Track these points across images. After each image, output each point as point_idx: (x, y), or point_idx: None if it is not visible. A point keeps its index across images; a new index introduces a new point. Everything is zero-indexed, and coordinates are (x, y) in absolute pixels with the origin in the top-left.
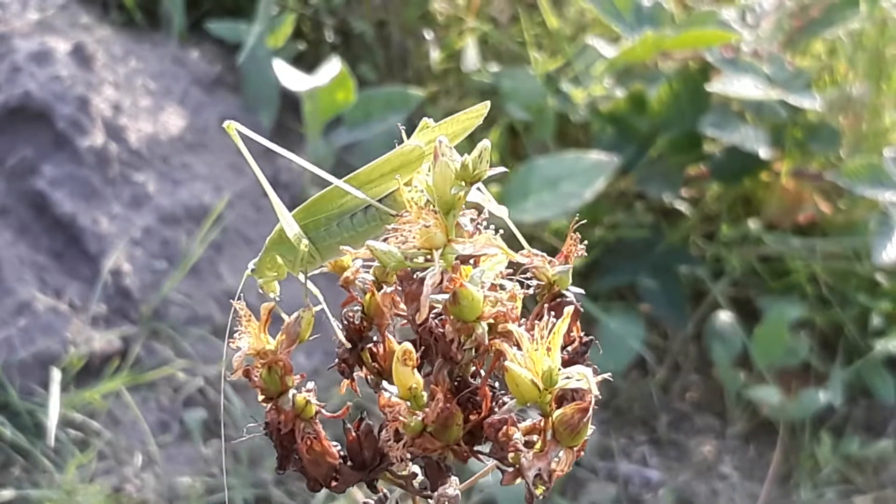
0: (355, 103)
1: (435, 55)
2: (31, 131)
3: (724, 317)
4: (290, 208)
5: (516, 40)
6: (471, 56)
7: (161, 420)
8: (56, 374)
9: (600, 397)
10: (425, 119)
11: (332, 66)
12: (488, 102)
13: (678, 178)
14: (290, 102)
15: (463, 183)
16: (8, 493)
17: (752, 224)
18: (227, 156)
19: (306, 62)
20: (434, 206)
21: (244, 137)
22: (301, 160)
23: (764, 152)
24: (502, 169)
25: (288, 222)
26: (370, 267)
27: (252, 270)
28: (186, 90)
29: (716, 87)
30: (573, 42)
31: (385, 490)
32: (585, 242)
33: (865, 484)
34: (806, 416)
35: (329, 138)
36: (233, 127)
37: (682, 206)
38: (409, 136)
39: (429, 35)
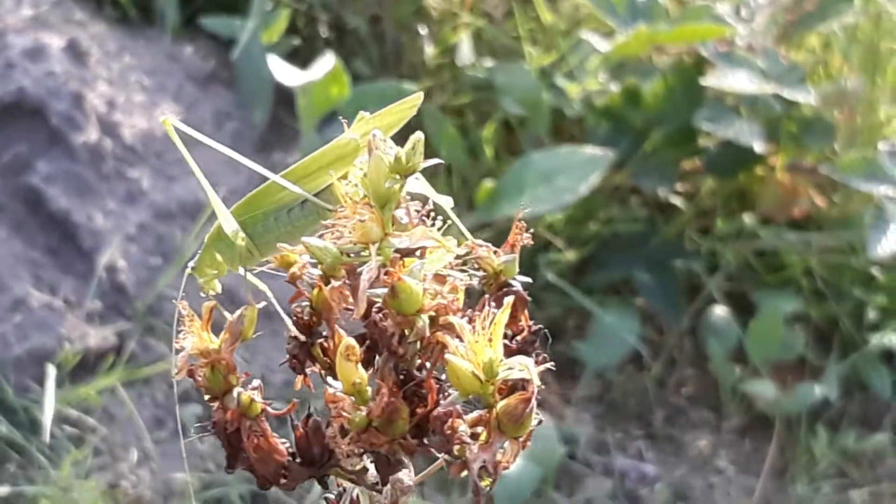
0: (350, 98)
1: (429, 50)
2: (25, 128)
3: (720, 311)
4: None
5: (511, 35)
6: (465, 51)
7: (156, 416)
8: (51, 371)
9: (543, 387)
10: (361, 112)
11: (327, 62)
12: (421, 93)
13: (673, 173)
14: (284, 97)
15: (397, 176)
16: (3, 490)
17: (747, 218)
18: (221, 154)
19: (301, 57)
20: (370, 200)
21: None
22: (229, 150)
23: (759, 146)
24: (436, 161)
25: (225, 218)
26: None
27: (192, 269)
28: (180, 86)
29: (710, 81)
30: (568, 37)
31: (343, 485)
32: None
33: (861, 478)
34: (802, 410)
35: (323, 133)
36: (168, 122)
37: (676, 201)
38: (408, 132)
39: (423, 30)
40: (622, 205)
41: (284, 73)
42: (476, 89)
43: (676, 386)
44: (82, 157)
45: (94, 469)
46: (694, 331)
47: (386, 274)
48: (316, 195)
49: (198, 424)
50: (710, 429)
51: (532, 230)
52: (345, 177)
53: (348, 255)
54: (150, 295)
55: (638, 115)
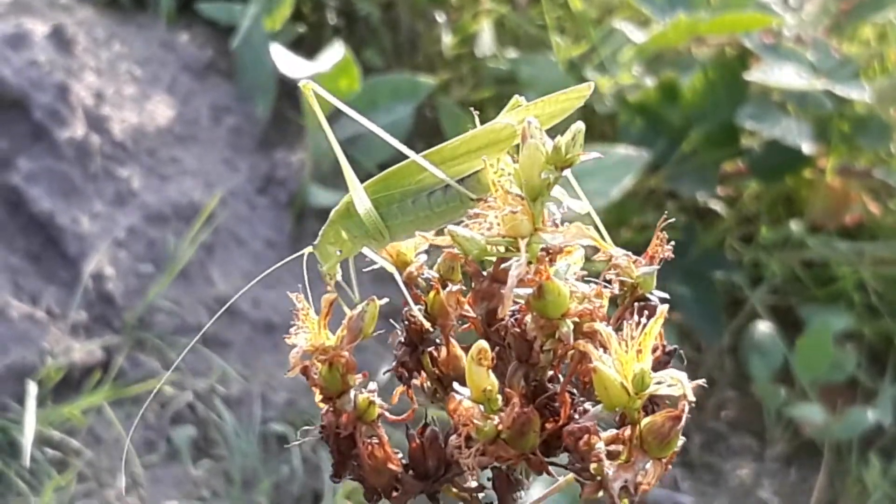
0: (360, 92)
1: (447, 39)
2: (6, 121)
3: (764, 327)
4: (288, 207)
5: (536, 23)
6: (486, 40)
7: (146, 438)
8: (32, 388)
9: (694, 405)
10: (517, 97)
11: (335, 52)
12: (592, 84)
13: (713, 176)
14: (288, 90)
15: (553, 168)
16: None
17: (794, 226)
18: (219, 149)
19: (306, 47)
20: (521, 192)
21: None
22: (376, 128)
23: (807, 147)
24: (597, 154)
25: (359, 194)
26: (432, 263)
27: (313, 246)
28: (175, 77)
29: (755, 75)
30: (599, 26)
31: None
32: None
33: None
34: (853, 437)
35: (331, 129)
36: (310, 87)
37: (717, 206)
38: (425, 131)
39: (440, 17)
40: (658, 210)
41: (289, 63)
42: (498, 83)
43: (716, 409)
44: (67, 154)
45: (78, 496)
46: (735, 349)
47: (534, 272)
48: (460, 181)
49: (307, 427)
50: (752, 456)
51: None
52: (494, 165)
53: (494, 249)
54: (141, 306)
55: (675, 112)
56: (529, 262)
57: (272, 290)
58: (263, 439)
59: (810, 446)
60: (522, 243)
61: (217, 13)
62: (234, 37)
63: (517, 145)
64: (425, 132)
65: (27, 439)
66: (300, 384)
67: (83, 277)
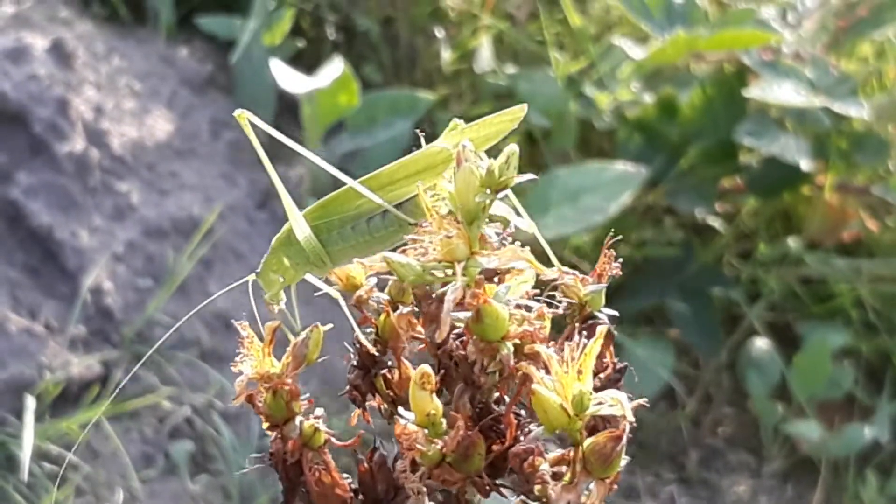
0: (359, 107)
1: (446, 55)
2: (5, 135)
3: (761, 344)
4: (286, 221)
5: (535, 39)
6: (485, 56)
7: (144, 453)
8: (30, 402)
9: (635, 425)
10: (455, 120)
11: (334, 67)
12: (525, 105)
13: (711, 192)
14: (287, 105)
15: (488, 191)
16: None
17: (792, 242)
18: (219, 164)
19: (306, 62)
20: (457, 216)
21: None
22: (317, 158)
23: (805, 164)
24: (530, 176)
25: (298, 222)
26: (383, 285)
27: (256, 274)
28: (175, 91)
29: (753, 92)
30: (597, 42)
31: None
32: (620, 261)
33: None
34: (850, 454)
35: (330, 145)
36: (244, 116)
37: (715, 223)
38: (427, 142)
39: (440, 33)
40: (656, 226)
41: (288, 78)
42: (496, 98)
43: (713, 425)
44: (67, 168)
45: None
46: (733, 365)
47: (471, 296)
48: (398, 206)
49: (256, 455)
50: (749, 473)
51: (557, 253)
52: (432, 189)
53: (431, 274)
54: (139, 320)
55: (674, 128)
56: (467, 286)
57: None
58: (264, 448)
59: (807, 463)
60: (459, 267)
61: (216, 28)
62: (234, 51)
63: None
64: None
65: (25, 454)
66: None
67: (82, 292)
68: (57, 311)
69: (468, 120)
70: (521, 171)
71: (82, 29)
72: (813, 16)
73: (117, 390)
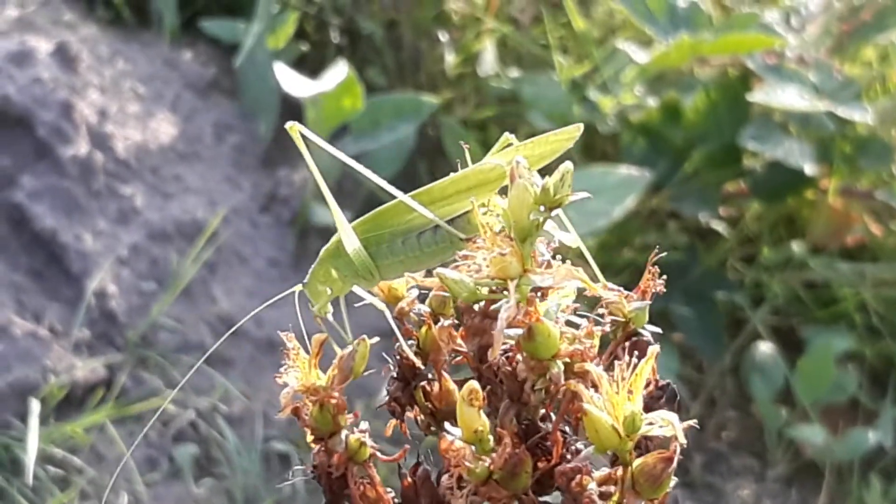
0: (363, 111)
1: (450, 59)
2: (10, 139)
3: (765, 348)
4: (290, 225)
5: (539, 43)
6: (489, 60)
7: (148, 456)
8: (35, 406)
9: (686, 446)
10: (507, 135)
11: (338, 70)
12: (581, 125)
13: (715, 196)
14: (291, 109)
15: (542, 208)
16: None
17: (796, 246)
18: (222, 167)
19: (310, 65)
20: (509, 233)
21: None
22: (364, 168)
23: (809, 168)
24: (586, 194)
25: (348, 234)
26: (424, 297)
27: (304, 284)
28: (178, 95)
29: (757, 96)
30: (601, 46)
31: None
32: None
33: None
34: (854, 458)
35: (336, 148)
36: (296, 129)
37: (719, 227)
38: (428, 150)
39: (443, 37)
40: (659, 230)
41: (292, 82)
42: (500, 102)
43: (717, 429)
44: (71, 171)
45: None
46: (737, 369)
47: (523, 314)
48: (450, 222)
49: (297, 467)
50: (753, 477)
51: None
52: (484, 205)
53: (484, 291)
54: (144, 324)
55: (678, 132)
56: (519, 304)
57: (275, 309)
58: (265, 458)
59: (811, 467)
60: (511, 285)
61: (220, 31)
62: (238, 55)
63: (506, 186)
64: (428, 151)
65: (30, 457)
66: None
67: (86, 295)
68: (61, 315)
69: (471, 124)
70: None
71: (86, 32)
72: (816, 20)
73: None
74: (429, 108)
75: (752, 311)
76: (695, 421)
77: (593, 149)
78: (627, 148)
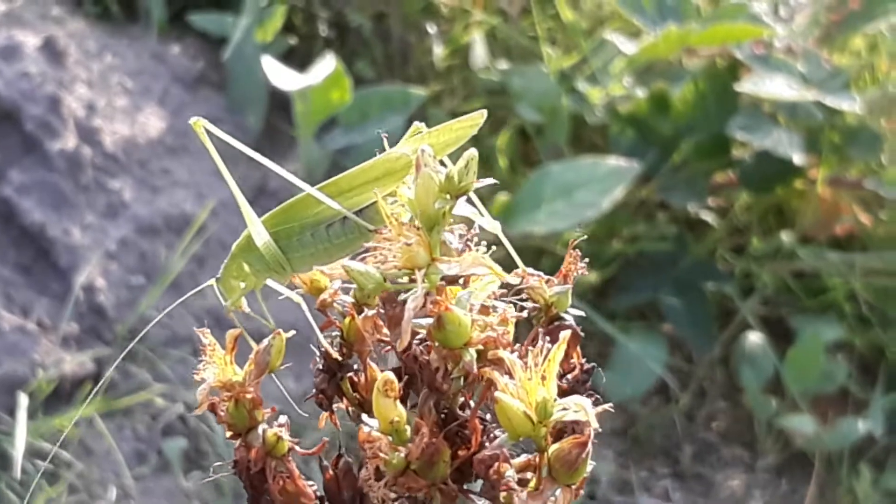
0: (351, 103)
1: (438, 51)
2: None
3: (755, 338)
4: None
5: (527, 35)
6: (478, 52)
7: (137, 450)
8: (23, 400)
9: (600, 430)
10: (416, 123)
11: (326, 63)
12: (485, 111)
13: (704, 186)
14: (279, 102)
15: (448, 196)
16: None
17: (785, 237)
18: (210, 161)
19: (298, 58)
20: (416, 222)
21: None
22: (274, 165)
23: (798, 158)
24: (490, 181)
25: (257, 228)
26: (349, 288)
27: (217, 279)
28: (166, 89)
29: (746, 86)
30: (590, 37)
31: None
32: (587, 260)
33: None
34: (844, 447)
35: (322, 141)
36: (200, 125)
37: (708, 217)
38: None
39: (432, 29)
40: (648, 221)
41: (280, 75)
42: (489, 94)
43: (707, 420)
44: (59, 166)
45: None
46: (726, 360)
47: (432, 303)
48: (358, 212)
49: (218, 463)
50: (743, 467)
51: (549, 249)
52: (392, 195)
53: (391, 282)
54: (132, 317)
55: (666, 123)
56: (428, 293)
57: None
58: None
59: (801, 457)
60: (419, 274)
61: (208, 25)
62: (226, 49)
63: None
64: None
65: (18, 451)
66: (290, 395)
67: (74, 289)
68: (49, 309)
69: (460, 115)
70: (513, 165)
71: (74, 27)
72: (805, 10)
73: (103, 384)
74: (417, 101)
75: (742, 301)
76: (610, 405)
77: (582, 140)
78: (616, 139)
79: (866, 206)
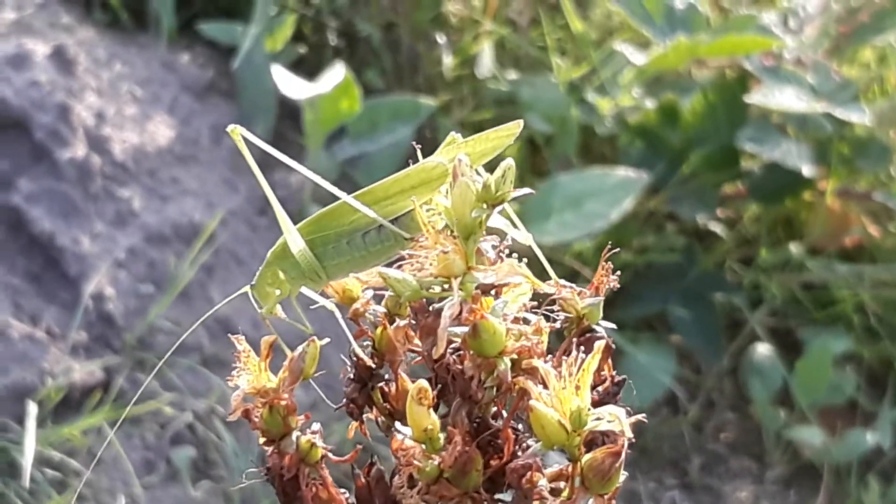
0: (360, 113)
1: (448, 61)
2: (7, 142)
3: (763, 349)
4: None
5: (537, 45)
6: (487, 62)
7: (146, 459)
8: (32, 408)
9: (633, 440)
10: (452, 133)
11: (336, 72)
12: (521, 122)
13: (713, 198)
14: (289, 111)
15: (485, 205)
16: None
17: (794, 248)
18: (220, 169)
19: (307, 67)
20: (453, 231)
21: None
22: (311, 173)
23: (807, 170)
24: (527, 190)
25: (293, 236)
26: (381, 297)
27: (252, 286)
28: (176, 97)
29: (755, 98)
30: (599, 48)
31: None
32: (618, 273)
33: None
34: (852, 459)
35: (332, 151)
36: (238, 132)
37: (717, 228)
38: (425, 152)
39: (441, 39)
40: (657, 232)
41: (289, 84)
42: (498, 104)
43: (715, 431)
44: (68, 174)
45: None
46: (735, 371)
47: (468, 311)
48: (394, 221)
49: (251, 469)
50: (751, 478)
51: (558, 259)
52: (428, 203)
53: (427, 290)
54: (141, 326)
55: (675, 134)
56: (464, 302)
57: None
58: (263, 460)
59: (810, 469)
60: (455, 283)
61: (218, 34)
62: (235, 57)
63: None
64: (426, 153)
65: (27, 460)
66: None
67: (83, 298)
68: (58, 318)
69: (469, 126)
70: (522, 177)
71: (84, 35)
72: (814, 21)
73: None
74: (426, 111)
75: (751, 312)
76: (643, 415)
77: (591, 150)
78: (625, 150)
79: (875, 217)
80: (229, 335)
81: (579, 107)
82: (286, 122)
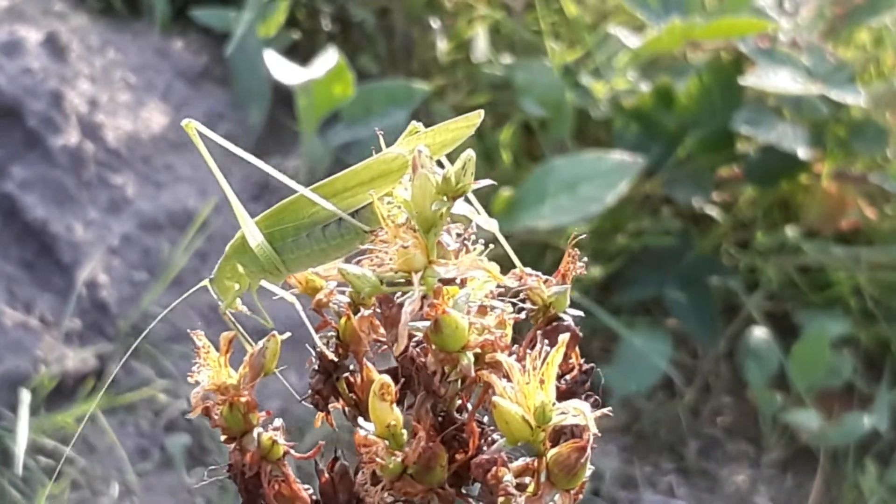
0: (354, 98)
1: (442, 45)
2: None
3: (760, 333)
4: None
5: (531, 29)
6: (481, 46)
7: (140, 446)
8: (25, 396)
9: (599, 434)
10: (414, 123)
11: (329, 58)
12: (482, 112)
13: (709, 181)
14: (282, 97)
15: (445, 198)
16: None
17: (790, 231)
18: (214, 156)
19: (301, 53)
20: (413, 224)
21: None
22: (262, 164)
23: (803, 152)
24: (488, 181)
25: (250, 229)
26: (345, 287)
27: (211, 280)
28: (170, 84)
29: (750, 80)
30: (594, 31)
31: None
32: (585, 260)
33: None
34: (849, 443)
35: (325, 136)
36: (192, 126)
37: (712, 212)
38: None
39: (435, 23)
40: (653, 216)
41: (283, 70)
42: (493, 88)
43: (712, 415)
44: (61, 161)
45: None
46: (731, 355)
47: (429, 306)
48: (354, 213)
49: (213, 467)
50: (748, 462)
51: (553, 243)
52: (388, 195)
53: (387, 284)
54: (135, 313)
55: (670, 117)
56: (425, 296)
57: (265, 299)
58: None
59: (806, 452)
60: (416, 277)
61: (211, 20)
62: (229, 44)
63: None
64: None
65: (20, 448)
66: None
67: (77, 285)
68: (52, 305)
69: (464, 110)
70: (517, 160)
71: (76, 22)
72: (810, 3)
73: (109, 381)
74: (421, 95)
75: (747, 296)
76: (609, 409)
77: (586, 134)
78: (620, 133)
79: (872, 200)
80: (226, 328)
81: (574, 91)
82: (280, 107)
